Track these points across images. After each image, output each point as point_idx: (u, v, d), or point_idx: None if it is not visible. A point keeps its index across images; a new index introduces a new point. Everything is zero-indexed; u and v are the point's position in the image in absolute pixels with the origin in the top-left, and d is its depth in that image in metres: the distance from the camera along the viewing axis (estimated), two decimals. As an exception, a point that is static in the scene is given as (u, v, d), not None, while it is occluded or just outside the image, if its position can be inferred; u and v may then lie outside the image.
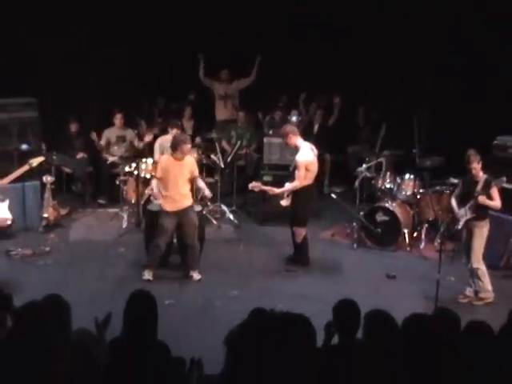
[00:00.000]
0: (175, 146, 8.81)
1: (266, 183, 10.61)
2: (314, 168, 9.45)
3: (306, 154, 9.36)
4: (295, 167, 9.37)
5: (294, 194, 9.44)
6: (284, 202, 9.66)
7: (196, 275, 9.05)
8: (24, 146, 10.41)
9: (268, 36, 12.38)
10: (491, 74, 10.24)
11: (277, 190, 9.52)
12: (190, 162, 8.99)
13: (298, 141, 9.45)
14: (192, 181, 9.18)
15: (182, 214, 8.87)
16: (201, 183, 9.26)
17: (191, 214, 8.98)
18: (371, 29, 11.73)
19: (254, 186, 9.62)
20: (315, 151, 9.50)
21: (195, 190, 10.02)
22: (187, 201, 8.96)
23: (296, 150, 9.43)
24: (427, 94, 10.85)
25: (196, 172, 9.11)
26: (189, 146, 8.94)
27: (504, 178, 8.29)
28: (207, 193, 9.33)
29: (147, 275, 8.96)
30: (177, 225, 8.91)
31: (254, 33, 12.34)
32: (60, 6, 11.36)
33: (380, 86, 11.76)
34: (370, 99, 12.15)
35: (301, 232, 9.51)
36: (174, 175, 8.80)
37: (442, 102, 10.77)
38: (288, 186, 9.41)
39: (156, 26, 12.44)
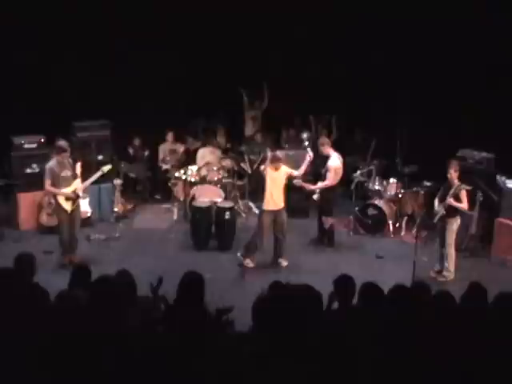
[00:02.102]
0: (273, 161, 8.75)
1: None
2: (341, 172, 9.56)
3: (336, 161, 9.43)
4: (327, 170, 9.43)
5: (324, 191, 9.48)
6: (315, 197, 9.69)
7: (284, 262, 8.95)
8: (100, 157, 10.46)
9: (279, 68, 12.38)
10: (458, 95, 10.16)
11: (312, 187, 9.54)
12: (284, 170, 8.90)
13: (331, 151, 9.49)
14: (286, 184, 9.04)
15: (277, 213, 8.79)
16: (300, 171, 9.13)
17: (284, 213, 8.88)
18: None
19: (297, 181, 9.47)
20: (341, 159, 9.56)
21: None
22: (282, 203, 8.86)
23: (327, 157, 9.48)
24: (407, 115, 10.78)
25: (293, 172, 8.97)
26: (281, 164, 8.81)
27: (459, 183, 8.31)
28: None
29: (250, 263, 8.84)
30: (271, 221, 8.78)
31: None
32: (122, 43, 11.39)
33: (370, 110, 11.66)
34: (364, 121, 12.05)
35: (329, 220, 9.56)
36: (278, 182, 8.76)
37: (419, 121, 10.69)
38: (320, 184, 9.49)
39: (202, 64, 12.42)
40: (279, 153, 9.06)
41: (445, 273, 8.48)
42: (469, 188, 8.44)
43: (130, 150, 11.83)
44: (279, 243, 8.95)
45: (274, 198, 8.74)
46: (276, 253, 8.97)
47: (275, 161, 8.74)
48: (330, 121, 12.43)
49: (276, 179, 8.77)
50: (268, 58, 12.24)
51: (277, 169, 8.77)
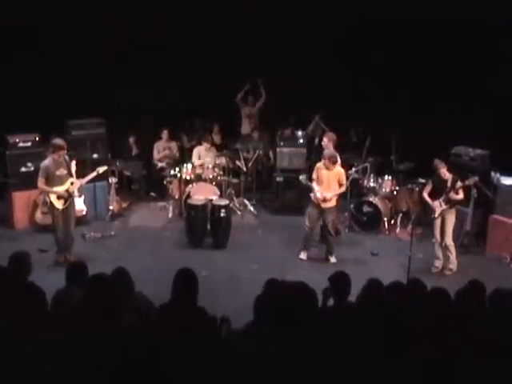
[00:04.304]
0: (328, 159, 8.66)
1: (278, 183, 10.67)
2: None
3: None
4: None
5: None
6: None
7: (333, 259, 8.97)
8: (95, 155, 10.41)
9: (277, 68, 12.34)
10: (454, 93, 10.17)
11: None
12: (338, 171, 8.81)
13: (331, 148, 9.37)
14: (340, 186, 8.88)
15: (322, 211, 8.79)
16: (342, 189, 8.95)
17: (332, 212, 8.88)
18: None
19: (303, 178, 9.08)
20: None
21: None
22: (332, 202, 8.81)
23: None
24: (402, 114, 10.78)
25: (343, 180, 8.84)
26: (336, 163, 8.68)
27: (460, 178, 8.39)
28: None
29: (302, 255, 8.99)
30: (318, 217, 8.83)
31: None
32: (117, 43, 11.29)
33: (366, 109, 11.62)
34: (359, 119, 12.02)
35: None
36: (327, 180, 8.71)
37: (413, 119, 10.69)
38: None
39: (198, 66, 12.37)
40: (331, 153, 8.84)
41: (451, 265, 8.56)
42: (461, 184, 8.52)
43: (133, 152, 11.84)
44: (329, 240, 8.98)
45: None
46: (327, 250, 9.01)
47: (330, 159, 8.65)
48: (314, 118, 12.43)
49: (329, 178, 8.71)
50: (268, 57, 12.19)
51: (329, 168, 8.70)
